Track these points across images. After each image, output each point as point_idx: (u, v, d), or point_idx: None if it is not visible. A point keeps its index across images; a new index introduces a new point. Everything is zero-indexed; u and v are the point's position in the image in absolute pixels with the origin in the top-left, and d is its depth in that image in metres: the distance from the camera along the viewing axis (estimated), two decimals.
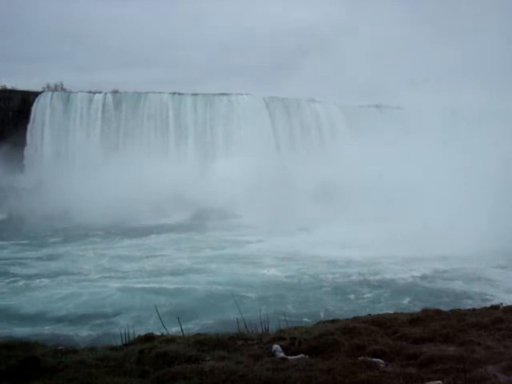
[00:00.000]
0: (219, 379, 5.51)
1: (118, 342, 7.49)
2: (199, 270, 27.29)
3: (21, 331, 17.04)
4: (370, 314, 8.91)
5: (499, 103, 45.24)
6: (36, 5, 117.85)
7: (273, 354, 6.46)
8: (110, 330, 17.26)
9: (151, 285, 24.06)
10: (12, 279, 25.51)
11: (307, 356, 6.38)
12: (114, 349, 7.16)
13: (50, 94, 56.69)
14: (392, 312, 9.16)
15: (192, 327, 16.19)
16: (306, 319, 16.50)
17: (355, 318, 8.44)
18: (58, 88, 60.87)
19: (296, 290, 23.24)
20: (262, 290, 22.88)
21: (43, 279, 25.37)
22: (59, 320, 19.54)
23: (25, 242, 35.45)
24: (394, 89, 51.79)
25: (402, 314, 8.60)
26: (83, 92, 56.62)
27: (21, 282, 24.89)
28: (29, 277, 25.81)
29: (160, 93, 57.60)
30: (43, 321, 19.38)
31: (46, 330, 18.12)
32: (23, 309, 20.80)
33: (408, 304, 20.81)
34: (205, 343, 6.86)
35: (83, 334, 17.68)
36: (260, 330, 7.82)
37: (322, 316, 18.08)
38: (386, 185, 37.50)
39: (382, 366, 6.05)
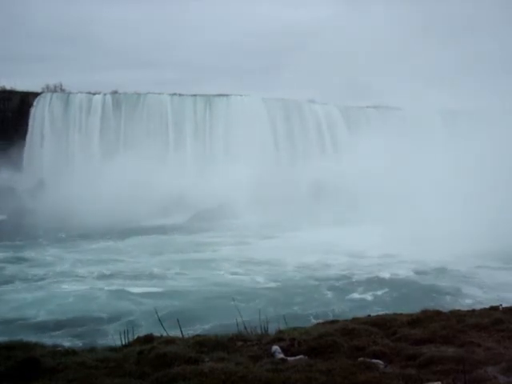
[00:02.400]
0: (219, 380, 5.51)
1: (118, 343, 7.49)
2: (161, 274, 26.99)
3: None
4: (369, 315, 8.90)
5: (499, 103, 45.28)
6: (36, 5, 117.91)
7: (272, 354, 6.46)
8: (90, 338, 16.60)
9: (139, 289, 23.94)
10: None
11: (307, 357, 6.37)
12: (113, 350, 7.16)
13: (49, 94, 56.64)
14: (391, 313, 9.14)
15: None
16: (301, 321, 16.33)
17: (354, 319, 8.44)
18: (57, 89, 60.89)
19: (274, 294, 22.87)
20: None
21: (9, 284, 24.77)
22: (34, 328, 18.41)
23: (8, 243, 34.99)
24: (394, 89, 51.85)
25: (401, 314, 8.59)
26: (82, 93, 56.57)
27: None
28: None
29: (159, 94, 57.61)
30: (15, 329, 17.90)
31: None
32: None
33: (393, 303, 20.84)
34: (204, 344, 6.86)
35: (66, 343, 16.22)
36: (259, 331, 7.81)
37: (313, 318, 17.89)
38: (385, 186, 37.50)
39: (382, 367, 6.05)
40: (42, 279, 25.73)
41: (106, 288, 23.94)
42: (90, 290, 23.65)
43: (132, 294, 23.16)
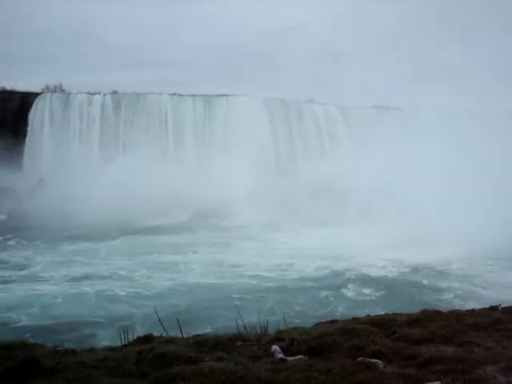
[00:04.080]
0: (218, 380, 5.51)
1: (118, 343, 7.50)
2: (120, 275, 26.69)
3: None
4: (368, 315, 8.91)
5: (500, 103, 45.30)
6: (36, 5, 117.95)
7: (272, 354, 6.46)
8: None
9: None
10: None
11: (306, 357, 6.37)
12: (113, 350, 7.16)
13: (49, 95, 56.62)
14: (391, 313, 9.15)
15: None
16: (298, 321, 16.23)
17: (354, 319, 8.44)
18: (57, 89, 60.90)
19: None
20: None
21: None
22: (19, 332, 17.42)
23: None
24: (394, 89, 51.87)
25: (400, 314, 8.59)
26: (82, 93, 56.56)
27: None
28: None
29: (159, 94, 57.60)
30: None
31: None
32: None
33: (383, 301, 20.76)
34: (204, 344, 6.86)
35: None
36: (259, 331, 7.81)
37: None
38: (385, 186, 37.52)
39: (381, 366, 6.05)
40: (9, 282, 25.28)
41: (71, 291, 23.52)
42: (58, 293, 23.15)
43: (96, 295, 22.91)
